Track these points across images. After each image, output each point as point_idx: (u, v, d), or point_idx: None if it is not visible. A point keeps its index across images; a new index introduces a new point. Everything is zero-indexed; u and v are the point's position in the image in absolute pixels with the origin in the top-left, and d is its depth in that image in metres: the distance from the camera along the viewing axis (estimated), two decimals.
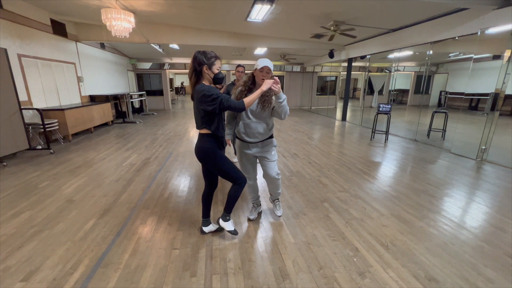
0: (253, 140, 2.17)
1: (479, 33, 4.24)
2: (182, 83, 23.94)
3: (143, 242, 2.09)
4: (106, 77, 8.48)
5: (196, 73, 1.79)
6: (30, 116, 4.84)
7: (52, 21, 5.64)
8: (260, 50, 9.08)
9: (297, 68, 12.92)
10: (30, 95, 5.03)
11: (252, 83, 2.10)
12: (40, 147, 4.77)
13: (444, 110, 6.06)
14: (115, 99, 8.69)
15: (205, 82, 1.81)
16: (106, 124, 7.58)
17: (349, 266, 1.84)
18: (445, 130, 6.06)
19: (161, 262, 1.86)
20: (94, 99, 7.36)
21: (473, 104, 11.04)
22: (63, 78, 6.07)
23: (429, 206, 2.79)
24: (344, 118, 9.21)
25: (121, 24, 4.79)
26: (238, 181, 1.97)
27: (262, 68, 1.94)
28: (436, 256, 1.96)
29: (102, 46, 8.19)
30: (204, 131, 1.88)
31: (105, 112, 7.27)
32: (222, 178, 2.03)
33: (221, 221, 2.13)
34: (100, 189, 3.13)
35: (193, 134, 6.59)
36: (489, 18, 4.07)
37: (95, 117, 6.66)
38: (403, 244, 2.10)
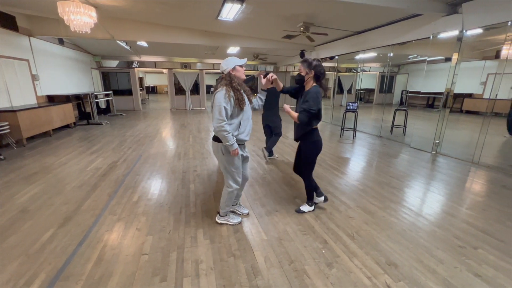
0: (248, 138, 2.18)
1: (431, 37, 4.66)
2: None
3: (109, 250, 1.99)
4: (66, 76, 7.84)
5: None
6: None
7: None
8: (233, 49, 9.04)
9: (270, 68, 13.08)
10: None
11: (237, 84, 2.04)
12: None
13: (404, 108, 6.56)
14: (78, 99, 8.08)
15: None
16: (67, 126, 7.02)
17: (318, 258, 1.92)
18: (406, 126, 6.56)
19: (128, 269, 1.78)
20: (52, 99, 6.77)
21: (430, 102, 12.10)
22: (14, 77, 5.49)
23: (391, 197, 3.00)
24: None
25: (81, 18, 4.45)
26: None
27: (245, 63, 2.08)
28: (395, 242, 2.12)
29: (61, 42, 7.56)
30: None
31: (66, 113, 6.73)
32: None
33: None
34: (60, 196, 2.90)
35: (165, 134, 6.37)
36: (439, 24, 4.49)
37: (54, 119, 6.13)
38: (367, 234, 2.25)
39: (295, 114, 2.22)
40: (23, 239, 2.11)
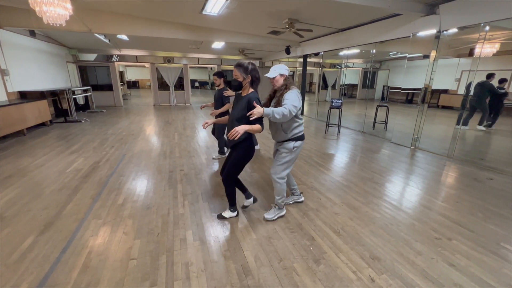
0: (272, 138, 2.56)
1: (411, 36, 4.83)
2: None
3: (95, 256, 1.94)
4: (40, 70, 7.36)
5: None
6: None
7: None
8: (218, 44, 8.88)
9: (256, 63, 13.02)
10: None
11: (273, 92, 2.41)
12: None
13: (385, 104, 6.80)
14: (53, 95, 7.64)
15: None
16: (43, 124, 6.64)
17: (306, 255, 1.99)
18: (387, 122, 6.82)
19: (116, 276, 1.75)
20: (25, 96, 6.35)
21: (409, 97, 12.59)
22: None
23: (374, 192, 3.14)
24: (301, 112, 9.66)
25: (54, 10, 4.17)
26: None
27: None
28: (378, 236, 2.24)
29: (32, 34, 7.06)
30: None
31: (41, 110, 6.35)
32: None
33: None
34: (38, 201, 2.77)
35: (149, 132, 6.21)
36: (418, 24, 4.65)
37: (28, 117, 5.78)
38: (352, 229, 2.35)
39: (257, 127, 1.99)
40: (0, 249, 2.00)
